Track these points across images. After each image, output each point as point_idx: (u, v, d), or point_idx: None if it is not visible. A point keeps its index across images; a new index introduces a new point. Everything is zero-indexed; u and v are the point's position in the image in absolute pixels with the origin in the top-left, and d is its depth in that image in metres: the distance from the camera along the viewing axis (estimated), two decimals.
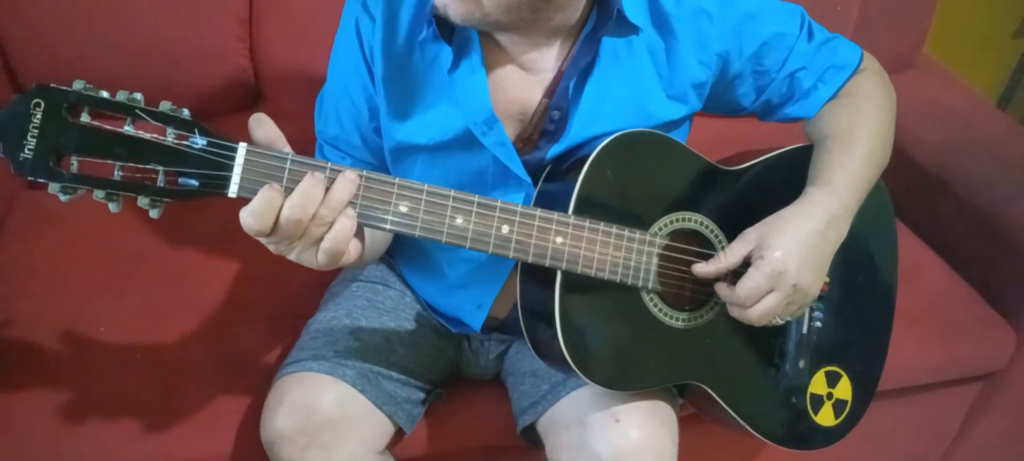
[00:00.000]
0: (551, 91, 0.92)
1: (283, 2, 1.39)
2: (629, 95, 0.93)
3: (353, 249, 0.76)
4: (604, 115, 0.93)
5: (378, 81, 0.93)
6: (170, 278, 1.23)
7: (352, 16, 0.94)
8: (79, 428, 1.03)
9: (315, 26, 1.37)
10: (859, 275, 1.05)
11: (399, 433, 1.06)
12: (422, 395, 1.08)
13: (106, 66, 1.31)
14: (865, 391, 1.06)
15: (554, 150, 0.94)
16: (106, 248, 1.24)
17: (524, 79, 0.93)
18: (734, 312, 0.90)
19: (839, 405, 1.03)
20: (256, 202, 0.70)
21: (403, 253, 1.13)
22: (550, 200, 0.90)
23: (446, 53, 0.89)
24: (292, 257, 0.76)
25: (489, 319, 1.06)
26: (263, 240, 0.73)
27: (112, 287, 1.20)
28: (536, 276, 0.89)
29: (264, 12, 1.38)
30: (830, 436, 1.04)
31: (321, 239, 0.73)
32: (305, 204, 0.70)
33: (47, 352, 1.11)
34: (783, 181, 0.96)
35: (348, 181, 0.73)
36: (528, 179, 0.94)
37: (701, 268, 0.90)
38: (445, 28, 0.87)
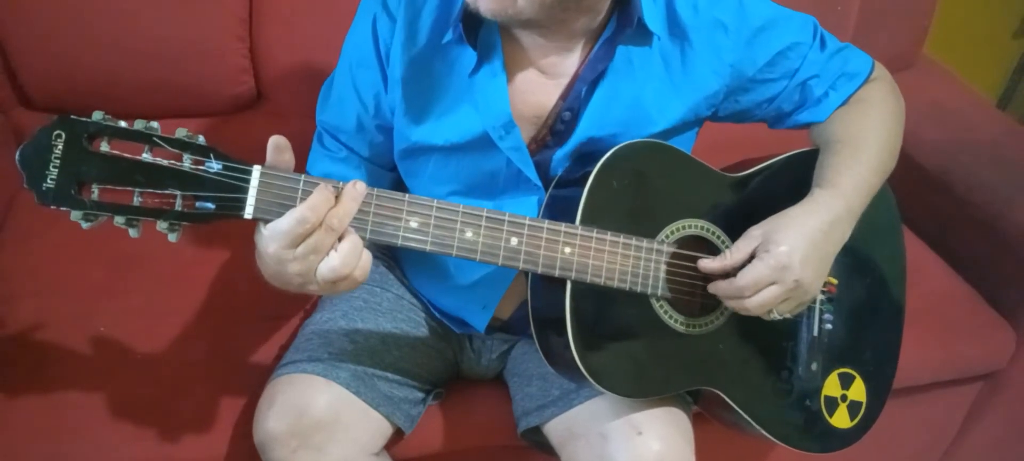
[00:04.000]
0: (566, 94, 0.93)
1: (283, 2, 1.39)
2: (638, 100, 0.94)
3: (359, 275, 0.76)
4: (611, 118, 0.93)
5: (394, 82, 0.93)
6: (170, 278, 1.23)
7: (370, 13, 0.94)
8: (78, 428, 1.03)
9: (315, 26, 1.37)
10: (867, 277, 1.05)
11: (398, 434, 1.06)
12: (421, 395, 1.08)
13: (106, 66, 1.31)
14: (879, 392, 1.06)
15: (561, 151, 0.94)
16: (106, 248, 1.24)
17: (543, 83, 0.93)
18: (733, 304, 0.90)
19: (854, 407, 1.04)
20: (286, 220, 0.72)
21: (408, 253, 1.13)
22: (560, 206, 0.91)
23: (469, 56, 0.90)
24: (312, 288, 0.76)
25: (493, 319, 1.06)
26: (290, 274, 0.74)
27: (112, 287, 1.20)
28: (546, 287, 0.89)
29: (264, 12, 1.38)
30: (847, 438, 1.04)
31: (330, 252, 0.74)
32: (317, 206, 0.72)
33: (47, 352, 1.11)
34: (788, 185, 0.96)
35: (358, 191, 0.74)
36: (540, 183, 0.95)
37: (706, 263, 0.90)
38: (469, 31, 0.88)
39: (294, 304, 1.18)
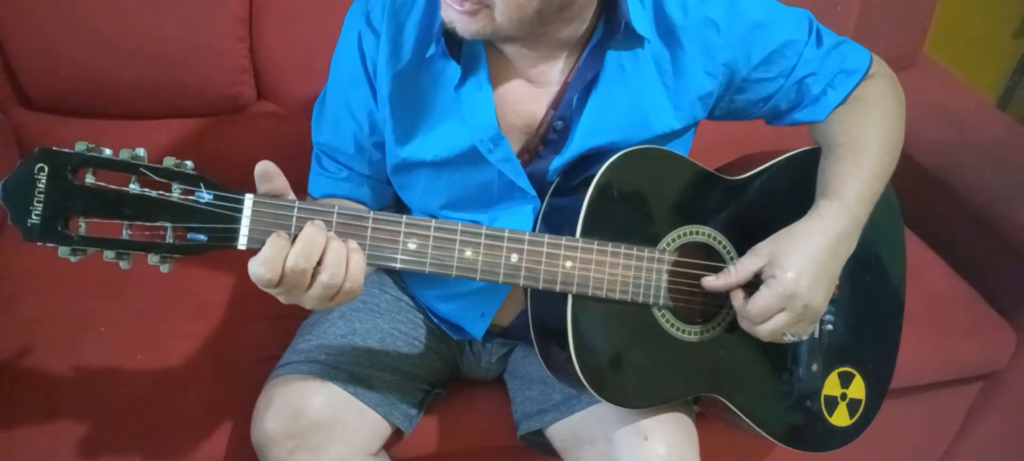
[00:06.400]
0: (556, 103, 0.92)
1: (283, 2, 1.39)
2: (633, 106, 0.93)
3: (350, 285, 0.76)
4: (607, 126, 0.92)
5: (383, 99, 0.93)
6: (170, 278, 1.21)
7: (355, 30, 0.93)
8: (78, 428, 1.03)
9: (315, 26, 1.36)
10: (868, 275, 1.04)
11: (397, 434, 1.06)
12: (420, 396, 1.08)
13: (106, 66, 1.31)
14: (878, 388, 1.06)
15: (557, 161, 0.93)
16: None
17: (531, 93, 0.92)
18: (744, 324, 0.91)
19: (853, 404, 1.03)
20: (266, 250, 0.71)
21: None
22: (558, 216, 0.91)
23: (453, 69, 0.89)
24: (307, 306, 0.76)
25: (493, 326, 1.05)
26: (272, 291, 0.74)
27: (112, 287, 1.20)
28: (547, 298, 0.89)
29: (264, 12, 1.38)
30: (846, 436, 1.04)
31: (328, 286, 0.73)
32: (309, 253, 0.71)
33: (47, 352, 1.11)
34: (789, 189, 0.96)
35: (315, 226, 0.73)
36: (533, 193, 0.94)
37: (710, 281, 0.90)
38: (452, 44, 0.87)
39: (294, 305, 1.17)
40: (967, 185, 1.50)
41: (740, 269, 0.89)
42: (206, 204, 0.70)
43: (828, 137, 0.98)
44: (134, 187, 0.68)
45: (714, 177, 0.96)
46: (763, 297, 0.87)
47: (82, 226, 0.67)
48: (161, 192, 0.69)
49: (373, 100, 0.94)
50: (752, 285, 0.89)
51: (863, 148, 0.94)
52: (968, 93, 1.75)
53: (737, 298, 0.90)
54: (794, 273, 0.86)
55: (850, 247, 0.92)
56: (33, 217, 0.66)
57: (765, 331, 0.88)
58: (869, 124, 0.97)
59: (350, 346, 1.02)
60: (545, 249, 0.83)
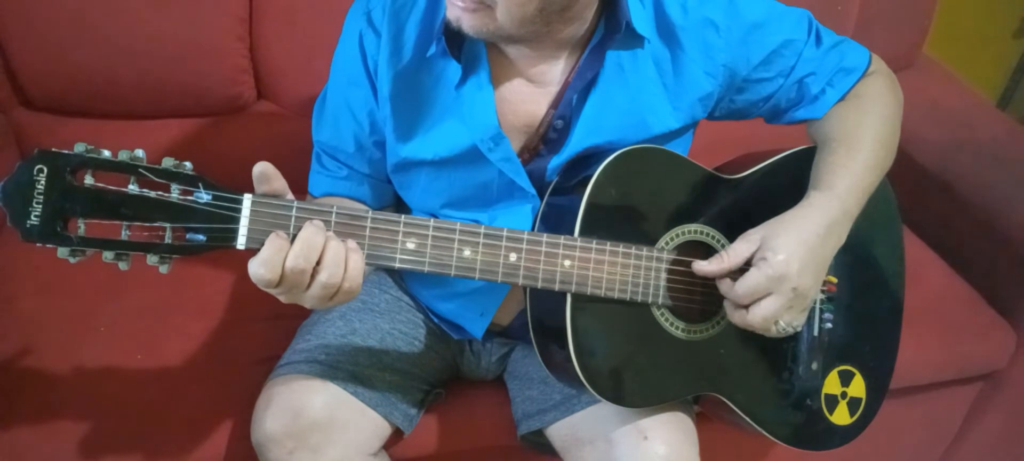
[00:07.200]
0: (557, 102, 0.92)
1: (283, 2, 1.39)
2: (632, 106, 0.93)
3: (348, 285, 0.76)
4: (606, 126, 0.92)
5: (383, 98, 0.93)
6: (170, 278, 1.21)
7: (355, 29, 0.93)
8: (78, 428, 1.03)
9: (315, 26, 1.37)
10: (867, 273, 1.04)
11: (397, 434, 1.06)
12: (420, 396, 1.08)
13: (106, 66, 1.31)
14: (879, 387, 1.06)
15: (556, 160, 0.93)
16: None
17: (531, 93, 0.92)
18: (734, 317, 0.90)
19: (854, 403, 1.03)
20: (265, 251, 0.71)
21: None
22: (556, 215, 0.90)
23: (454, 69, 0.89)
24: (306, 305, 0.77)
25: (493, 325, 1.05)
26: (272, 291, 0.74)
27: (112, 287, 1.20)
28: (546, 297, 0.89)
29: (264, 12, 1.38)
30: (846, 434, 1.03)
31: (327, 286, 0.74)
32: (308, 253, 0.72)
33: (46, 352, 1.11)
34: (786, 187, 0.96)
35: (314, 227, 0.73)
36: (533, 191, 0.94)
37: (702, 266, 0.89)
38: (453, 43, 0.87)
39: (293, 305, 1.17)
40: (967, 185, 1.50)
41: (733, 253, 0.88)
42: (205, 204, 0.71)
43: (824, 132, 0.98)
44: (133, 188, 0.68)
45: (712, 176, 0.97)
46: (752, 277, 0.86)
47: (81, 227, 0.68)
48: (160, 193, 0.69)
49: (374, 99, 0.94)
50: (742, 273, 0.89)
51: (857, 142, 0.94)
52: (968, 93, 1.75)
53: (725, 285, 0.89)
54: (785, 255, 0.85)
55: (840, 238, 0.91)
56: (32, 218, 0.66)
57: (756, 318, 0.87)
58: (864, 120, 0.97)
59: (350, 346, 1.02)
60: (544, 248, 0.83)
